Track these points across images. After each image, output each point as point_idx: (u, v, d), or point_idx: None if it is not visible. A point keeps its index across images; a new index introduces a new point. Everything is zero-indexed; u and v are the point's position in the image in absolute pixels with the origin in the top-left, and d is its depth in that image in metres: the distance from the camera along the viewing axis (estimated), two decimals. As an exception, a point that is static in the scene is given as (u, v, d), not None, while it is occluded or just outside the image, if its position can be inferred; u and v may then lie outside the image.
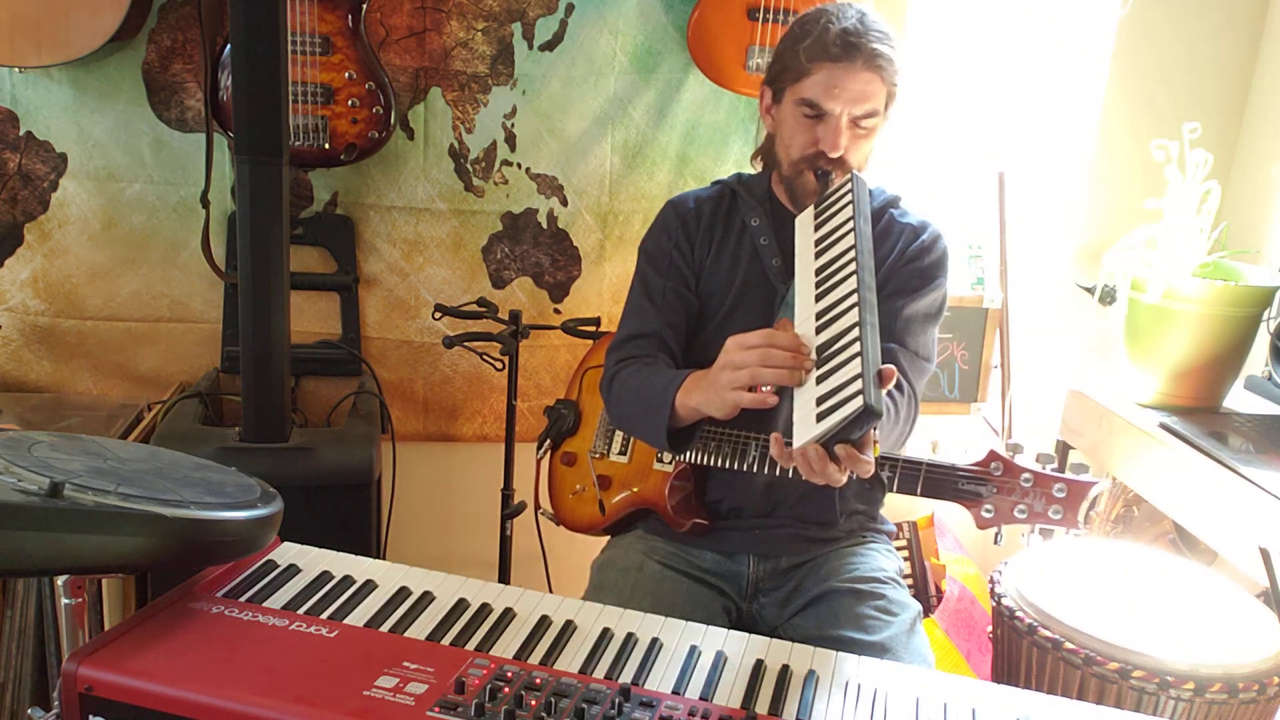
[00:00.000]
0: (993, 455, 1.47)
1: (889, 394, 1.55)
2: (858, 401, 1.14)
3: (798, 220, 1.60)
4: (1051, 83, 2.72)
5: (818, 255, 1.47)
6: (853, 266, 1.36)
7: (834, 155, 1.59)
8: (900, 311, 1.65)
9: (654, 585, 1.65)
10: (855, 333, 1.24)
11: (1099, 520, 2.54)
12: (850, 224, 1.45)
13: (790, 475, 1.57)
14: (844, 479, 1.25)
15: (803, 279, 1.45)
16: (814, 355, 1.29)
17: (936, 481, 1.49)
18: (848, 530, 1.76)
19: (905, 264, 1.69)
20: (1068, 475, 1.43)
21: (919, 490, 1.50)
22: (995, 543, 1.50)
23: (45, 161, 2.26)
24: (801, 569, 1.72)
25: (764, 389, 1.34)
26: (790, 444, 1.22)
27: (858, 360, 1.20)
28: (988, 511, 1.46)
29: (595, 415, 1.93)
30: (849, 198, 1.51)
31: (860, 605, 1.59)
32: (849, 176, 1.56)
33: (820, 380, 1.24)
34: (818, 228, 1.53)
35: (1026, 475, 1.44)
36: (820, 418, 1.18)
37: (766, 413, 1.65)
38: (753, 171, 1.83)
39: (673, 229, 1.76)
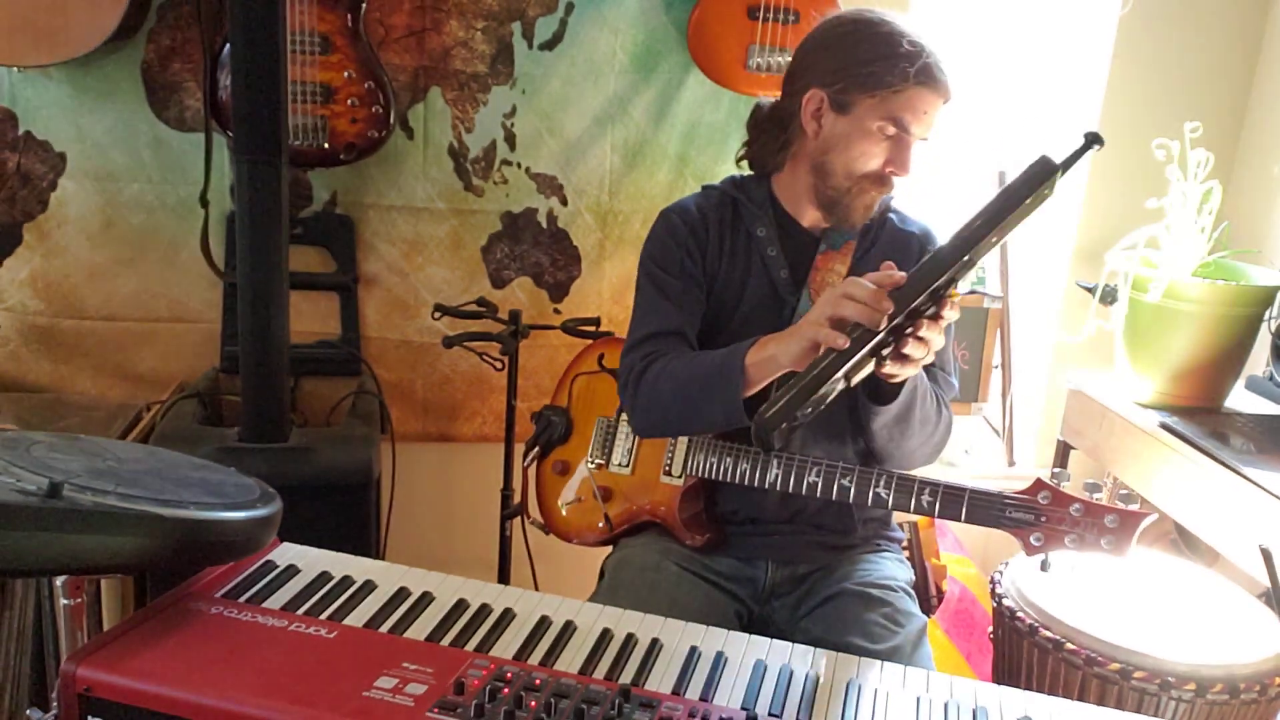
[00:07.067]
0: (1040, 484, 1.46)
1: (937, 397, 1.60)
2: None
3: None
4: (1052, 81, 2.72)
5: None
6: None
7: (904, 176, 1.58)
8: None
9: (671, 587, 1.63)
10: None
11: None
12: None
13: (804, 491, 1.57)
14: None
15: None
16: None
17: (980, 509, 1.48)
18: (864, 537, 1.75)
19: None
20: (1119, 505, 1.42)
21: (963, 517, 1.49)
22: (1042, 569, 1.50)
23: (44, 161, 2.26)
24: (816, 574, 1.71)
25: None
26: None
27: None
28: (1037, 540, 1.45)
29: (589, 423, 1.87)
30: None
31: (869, 612, 1.58)
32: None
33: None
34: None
35: (1077, 505, 1.43)
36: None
37: None
38: (727, 170, 1.79)
39: (681, 237, 1.68)
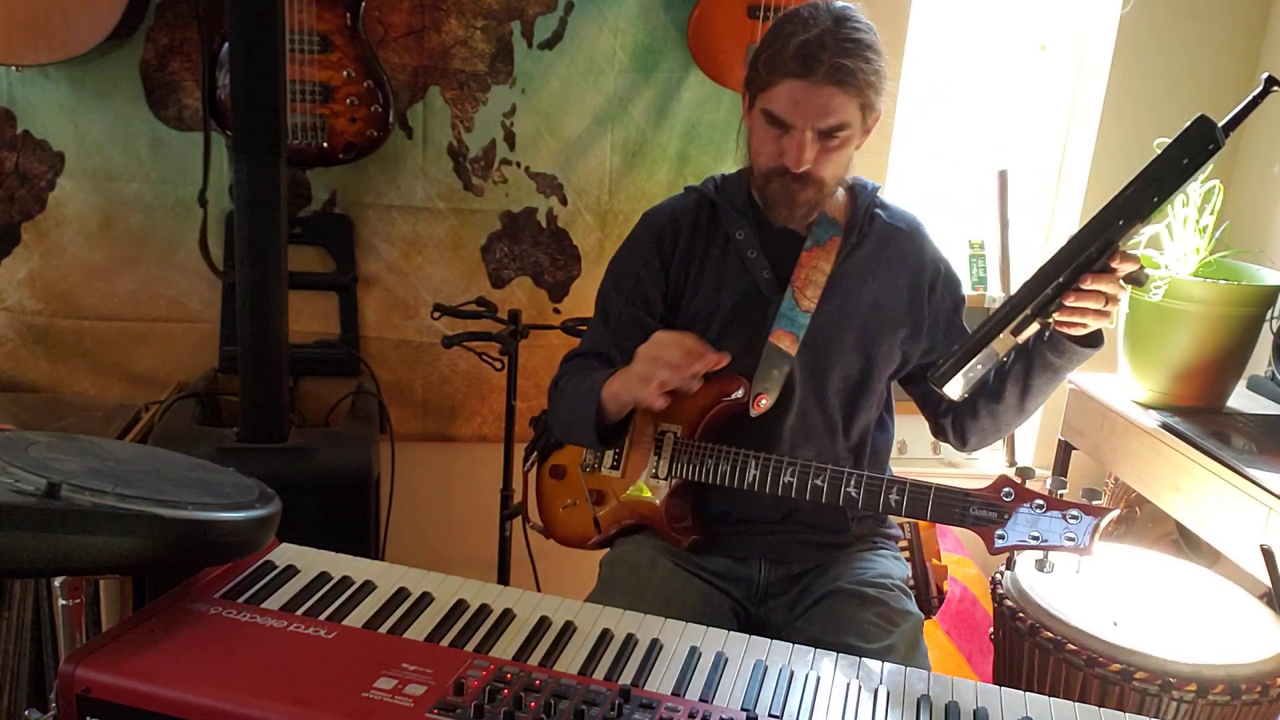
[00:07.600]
0: (1004, 480, 1.45)
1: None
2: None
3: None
4: (1053, 80, 2.72)
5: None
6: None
7: (798, 171, 1.54)
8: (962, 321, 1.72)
9: (665, 585, 1.62)
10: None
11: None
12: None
13: (780, 492, 1.57)
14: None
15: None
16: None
17: (945, 507, 1.48)
18: (859, 535, 1.74)
19: (940, 274, 1.71)
20: (1081, 501, 1.41)
21: (929, 515, 1.49)
22: (1008, 567, 1.49)
23: (42, 160, 2.25)
24: (811, 573, 1.70)
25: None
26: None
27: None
28: (1001, 538, 1.44)
29: None
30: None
31: (863, 610, 1.57)
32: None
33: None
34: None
35: (1039, 501, 1.42)
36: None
37: (766, 429, 1.64)
38: (729, 171, 1.77)
39: (644, 248, 1.70)
